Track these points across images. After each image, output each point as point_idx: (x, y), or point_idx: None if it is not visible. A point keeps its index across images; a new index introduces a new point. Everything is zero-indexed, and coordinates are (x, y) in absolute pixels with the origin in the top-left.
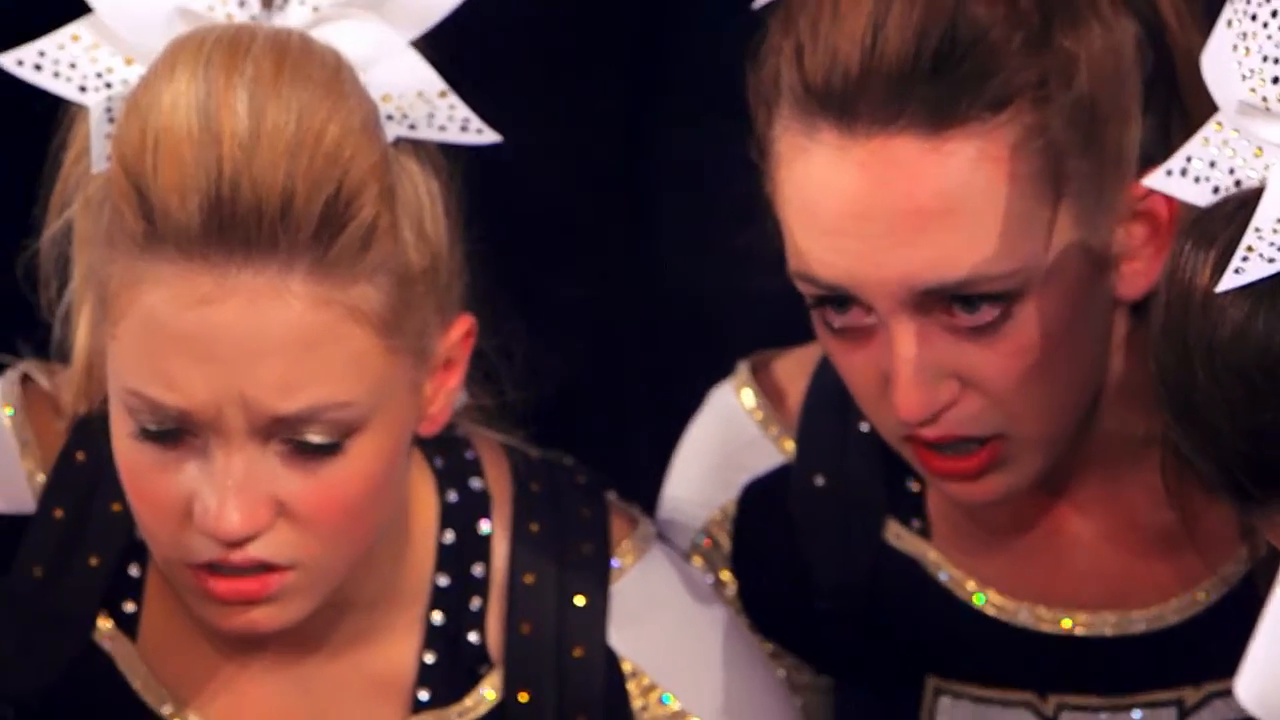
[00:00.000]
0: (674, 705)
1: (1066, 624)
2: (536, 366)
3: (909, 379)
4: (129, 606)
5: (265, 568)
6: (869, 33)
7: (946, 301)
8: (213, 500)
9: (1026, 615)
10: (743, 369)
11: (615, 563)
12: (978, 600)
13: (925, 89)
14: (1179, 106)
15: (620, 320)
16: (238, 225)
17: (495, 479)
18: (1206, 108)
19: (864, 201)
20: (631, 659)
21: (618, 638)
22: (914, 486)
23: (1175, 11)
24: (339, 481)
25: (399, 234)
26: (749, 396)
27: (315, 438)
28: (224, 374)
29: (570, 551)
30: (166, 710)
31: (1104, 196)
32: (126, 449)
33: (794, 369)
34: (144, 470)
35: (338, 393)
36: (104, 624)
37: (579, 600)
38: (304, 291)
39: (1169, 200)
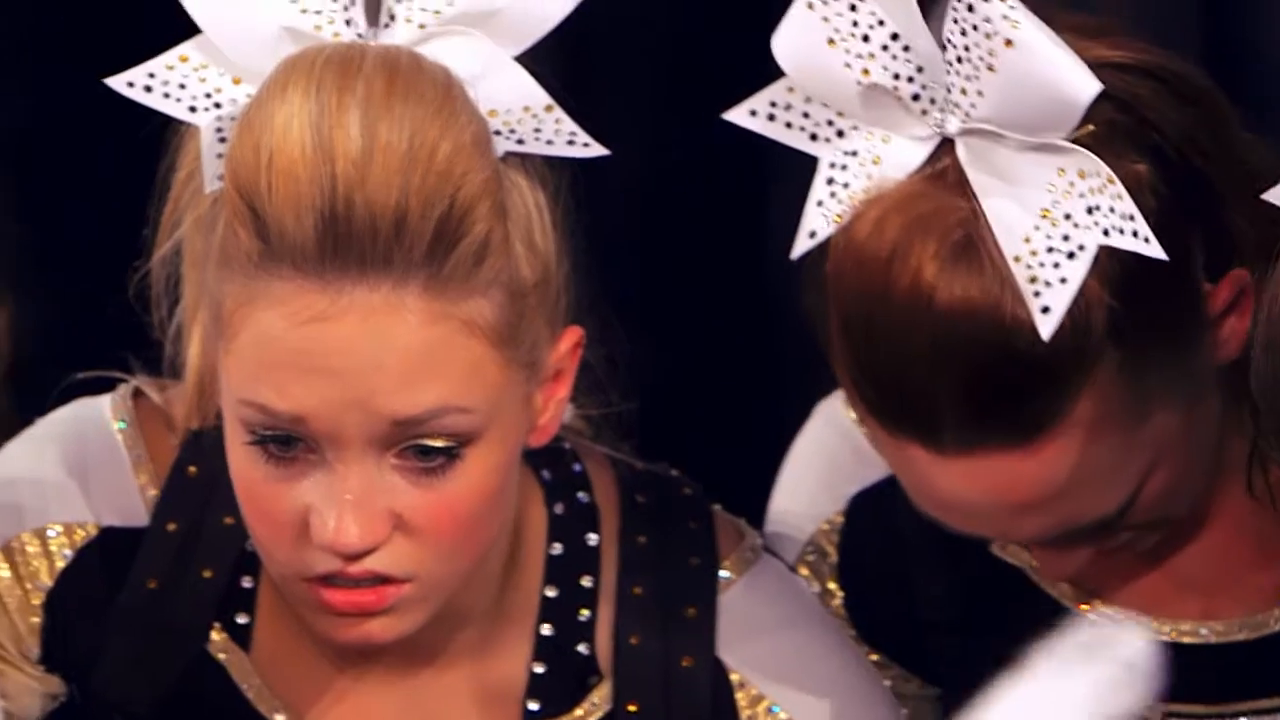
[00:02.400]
0: (782, 716)
1: (1172, 633)
2: (644, 378)
3: (1048, 564)
4: (242, 618)
5: (381, 580)
6: (929, 370)
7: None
8: (330, 514)
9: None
10: None
11: (723, 574)
12: (1084, 610)
13: (1004, 414)
14: (1224, 205)
15: (731, 333)
16: (353, 243)
17: (602, 491)
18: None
19: (971, 500)
20: (739, 670)
21: (725, 649)
22: None
23: (1182, 136)
24: (455, 494)
25: (511, 248)
26: None
27: (433, 443)
28: (341, 384)
29: (678, 563)
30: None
31: (1188, 349)
32: (242, 463)
33: None
34: (260, 484)
35: (456, 396)
36: (217, 636)
37: (688, 612)
38: (419, 307)
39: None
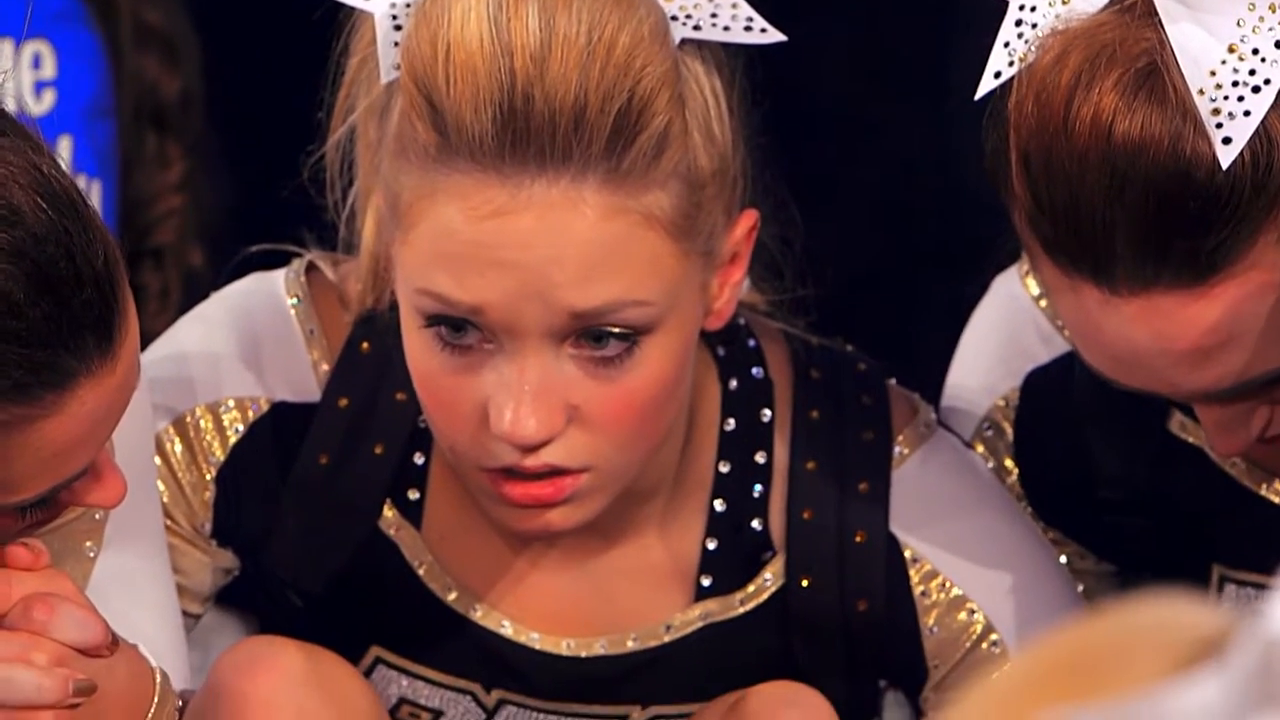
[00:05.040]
0: (955, 591)
1: None
2: (822, 256)
3: (1220, 435)
4: (413, 494)
5: (558, 472)
6: (1106, 201)
7: None
8: (508, 405)
9: None
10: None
11: (897, 449)
12: (1264, 489)
13: (1180, 250)
14: None
15: (909, 210)
16: (531, 138)
17: (776, 367)
18: None
19: (1142, 345)
20: (912, 545)
21: (898, 524)
22: None
23: None
24: (632, 385)
25: (689, 139)
26: (1034, 284)
27: (612, 333)
28: (519, 277)
29: (851, 438)
30: (451, 597)
31: None
32: (419, 353)
33: None
34: (438, 375)
35: (634, 290)
36: (389, 512)
37: (860, 487)
38: (597, 201)
39: None
